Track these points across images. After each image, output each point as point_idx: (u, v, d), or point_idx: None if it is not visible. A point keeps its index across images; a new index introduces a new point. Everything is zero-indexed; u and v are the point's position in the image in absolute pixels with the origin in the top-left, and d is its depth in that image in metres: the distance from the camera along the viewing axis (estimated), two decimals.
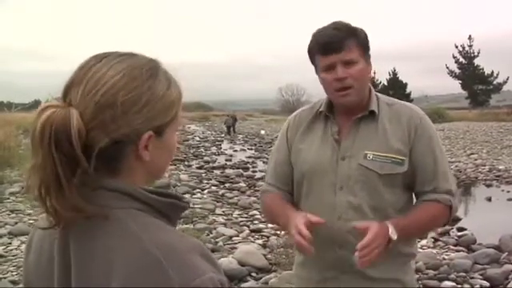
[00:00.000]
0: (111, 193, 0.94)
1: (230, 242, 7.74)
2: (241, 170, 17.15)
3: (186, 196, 10.81)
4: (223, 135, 38.69)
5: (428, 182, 2.00)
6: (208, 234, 8.03)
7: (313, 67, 2.06)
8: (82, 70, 0.96)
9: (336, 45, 1.94)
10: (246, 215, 9.90)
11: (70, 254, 0.94)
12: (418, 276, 6.14)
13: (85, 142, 0.90)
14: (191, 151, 23.62)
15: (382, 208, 1.98)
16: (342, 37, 1.94)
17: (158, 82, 0.98)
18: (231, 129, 40.52)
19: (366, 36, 2.02)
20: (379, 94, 2.12)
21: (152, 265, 0.86)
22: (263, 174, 14.93)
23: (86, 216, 0.91)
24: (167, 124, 0.99)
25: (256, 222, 9.24)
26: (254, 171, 17.43)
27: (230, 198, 11.71)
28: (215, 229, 8.44)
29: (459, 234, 8.63)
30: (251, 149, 27.82)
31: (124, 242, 0.90)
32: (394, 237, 1.86)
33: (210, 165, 18.72)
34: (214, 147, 27.71)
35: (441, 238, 8.25)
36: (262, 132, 40.73)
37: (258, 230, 8.49)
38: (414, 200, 2.10)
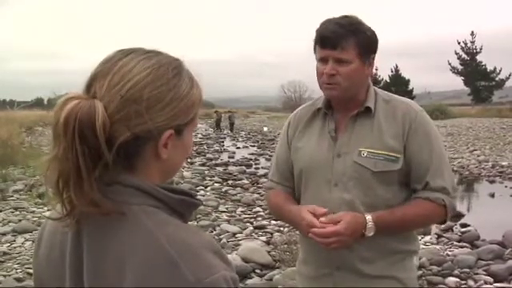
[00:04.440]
0: (127, 188, 0.94)
1: (233, 239, 7.76)
2: (244, 167, 17.15)
3: None
4: (226, 132, 38.77)
5: (420, 179, 1.98)
6: (211, 231, 8.04)
7: (315, 65, 2.06)
8: (108, 63, 0.96)
9: (332, 41, 1.93)
10: (249, 212, 9.91)
11: (82, 247, 0.94)
12: (421, 272, 6.14)
13: (107, 136, 0.90)
14: (194, 148, 23.58)
15: (376, 205, 1.97)
16: (341, 34, 1.93)
17: (183, 81, 0.99)
18: (233, 126, 40.71)
19: (371, 37, 1.99)
20: (378, 90, 2.11)
21: (166, 262, 0.87)
22: (266, 170, 14.94)
23: (102, 213, 0.90)
24: (187, 123, 1.00)
25: (259, 218, 9.25)
26: (256, 168, 17.44)
27: (234, 195, 11.72)
28: (219, 226, 8.45)
29: (463, 230, 8.62)
30: (254, 146, 27.85)
31: (138, 238, 0.90)
32: (370, 233, 1.89)
33: (213, 162, 18.72)
34: (217, 144, 27.73)
35: (444, 234, 8.24)
36: (265, 129, 40.78)
37: (262, 227, 8.49)
38: None
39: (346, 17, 1.99)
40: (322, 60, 1.98)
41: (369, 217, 1.90)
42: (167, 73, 0.97)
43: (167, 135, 0.96)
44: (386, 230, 1.93)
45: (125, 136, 0.92)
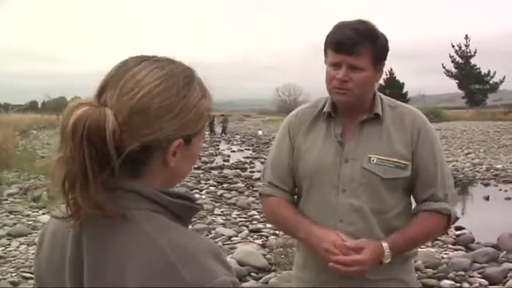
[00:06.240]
0: (128, 194, 0.94)
1: (229, 242, 7.75)
2: (239, 171, 17.11)
3: None
4: (221, 135, 38.89)
5: (427, 188, 2.00)
6: (207, 235, 8.02)
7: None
8: (120, 70, 0.96)
9: (348, 47, 1.90)
10: (244, 215, 9.90)
11: (83, 250, 0.94)
12: (417, 275, 6.12)
13: (116, 144, 0.90)
14: None
15: (383, 211, 1.99)
16: (357, 41, 1.89)
17: (193, 91, 0.99)
18: (225, 129, 41.07)
19: (385, 45, 1.98)
20: (382, 96, 2.10)
21: (166, 266, 0.87)
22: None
23: (106, 215, 0.91)
24: (196, 133, 1.00)
25: (255, 222, 9.24)
26: (251, 171, 17.40)
27: (229, 199, 11.71)
28: (214, 229, 8.44)
29: (457, 233, 8.64)
30: (249, 149, 27.87)
31: (139, 243, 0.90)
32: (387, 260, 1.92)
33: (208, 165, 18.69)
34: (212, 148, 27.71)
35: (439, 238, 8.25)
36: (260, 132, 40.75)
37: (257, 230, 8.49)
38: (413, 204, 2.10)
39: (362, 22, 1.95)
40: (335, 65, 1.94)
41: (385, 244, 1.92)
42: (178, 83, 0.97)
43: (176, 144, 0.96)
44: (400, 252, 1.98)
45: (134, 145, 0.92)
